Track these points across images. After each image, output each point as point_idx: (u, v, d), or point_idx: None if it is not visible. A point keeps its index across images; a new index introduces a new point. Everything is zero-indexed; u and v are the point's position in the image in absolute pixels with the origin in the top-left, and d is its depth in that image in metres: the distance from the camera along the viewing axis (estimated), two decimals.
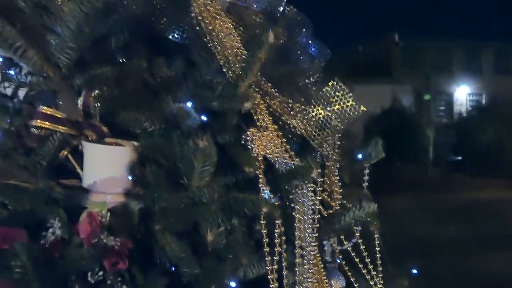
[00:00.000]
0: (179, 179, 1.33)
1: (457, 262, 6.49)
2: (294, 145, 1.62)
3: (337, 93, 1.53)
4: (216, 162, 1.29)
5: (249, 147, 1.41)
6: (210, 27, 1.47)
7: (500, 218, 8.76)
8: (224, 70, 1.48)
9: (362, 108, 1.52)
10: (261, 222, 1.34)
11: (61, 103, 1.51)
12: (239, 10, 1.64)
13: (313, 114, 1.54)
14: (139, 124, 1.45)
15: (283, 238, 1.38)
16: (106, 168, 1.43)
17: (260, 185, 1.38)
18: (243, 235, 1.38)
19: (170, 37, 1.49)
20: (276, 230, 1.37)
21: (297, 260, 1.41)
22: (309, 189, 1.39)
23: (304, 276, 1.41)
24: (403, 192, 10.81)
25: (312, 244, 1.40)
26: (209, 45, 1.48)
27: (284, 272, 1.39)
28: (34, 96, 1.56)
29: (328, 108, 1.54)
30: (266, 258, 1.36)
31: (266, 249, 1.36)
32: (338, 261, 1.66)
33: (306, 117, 1.54)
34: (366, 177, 1.78)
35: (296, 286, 1.41)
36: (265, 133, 1.43)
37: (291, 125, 1.56)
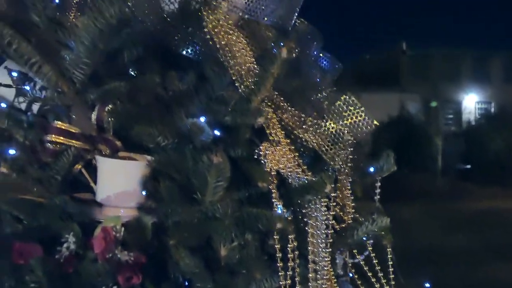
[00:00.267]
0: (193, 193, 1.34)
1: (466, 272, 6.45)
2: (306, 158, 1.62)
3: (349, 107, 1.53)
4: (229, 177, 1.29)
5: (262, 161, 1.41)
6: (223, 42, 1.48)
7: (510, 227, 8.69)
8: (236, 84, 1.49)
9: (375, 122, 1.52)
10: (275, 237, 1.34)
11: (74, 117, 1.53)
12: (250, 25, 1.65)
13: (326, 128, 1.54)
14: (152, 138, 1.45)
15: (296, 252, 1.38)
16: (119, 182, 1.44)
17: (273, 200, 1.38)
18: (256, 250, 1.38)
19: (184, 52, 1.50)
20: (289, 245, 1.37)
21: (310, 275, 1.40)
22: (322, 204, 1.39)
23: None
24: (411, 201, 10.77)
25: (326, 259, 1.40)
26: (221, 59, 1.49)
27: (297, 287, 1.38)
28: (48, 110, 1.57)
29: (340, 122, 1.54)
30: (279, 273, 1.36)
31: (279, 263, 1.36)
32: (350, 274, 1.66)
33: (318, 131, 1.54)
34: (378, 190, 1.78)
35: None
36: (278, 147, 1.44)
37: (303, 139, 1.56)
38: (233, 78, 1.49)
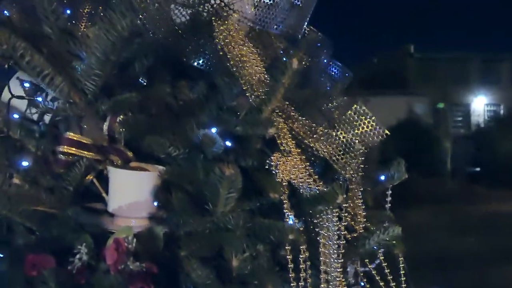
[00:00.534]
0: (204, 204, 1.34)
1: (476, 276, 6.40)
2: (317, 167, 1.62)
3: (360, 117, 1.53)
4: (241, 189, 1.29)
5: (274, 172, 1.41)
6: (233, 53, 1.48)
7: None
8: (247, 94, 1.49)
9: (386, 131, 1.52)
10: (286, 247, 1.34)
11: (86, 127, 1.53)
12: (260, 34, 1.65)
13: (336, 137, 1.54)
14: (163, 149, 1.46)
15: (308, 263, 1.38)
16: (131, 192, 1.44)
17: (285, 211, 1.38)
18: (268, 261, 1.38)
19: (195, 64, 1.51)
20: (301, 256, 1.36)
21: (322, 286, 1.40)
22: (334, 214, 1.39)
23: None
24: (421, 205, 10.71)
25: (337, 269, 1.40)
26: (233, 69, 1.49)
27: None
28: (60, 120, 1.58)
29: (351, 132, 1.54)
30: (291, 284, 1.36)
31: (291, 274, 1.35)
32: (362, 283, 1.65)
33: (329, 140, 1.54)
34: (389, 199, 1.77)
35: None
36: (289, 158, 1.44)
37: (314, 148, 1.56)
38: (244, 88, 1.50)
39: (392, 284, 1.58)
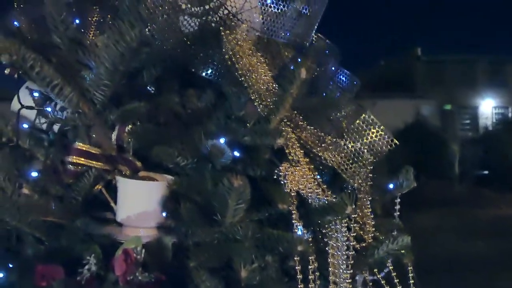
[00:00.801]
0: (213, 215, 1.34)
1: (485, 280, 6.35)
2: (325, 176, 1.61)
3: (369, 126, 1.53)
4: (249, 199, 1.29)
5: (282, 182, 1.41)
6: (241, 62, 1.48)
7: None
8: (255, 104, 1.49)
9: (395, 141, 1.51)
10: (295, 258, 1.33)
11: (95, 137, 1.54)
12: (269, 43, 1.65)
13: (345, 146, 1.54)
14: (172, 158, 1.46)
15: (317, 274, 1.37)
16: (140, 202, 1.45)
17: (293, 221, 1.38)
18: (277, 271, 1.38)
19: (204, 74, 1.51)
20: (309, 266, 1.36)
21: None
22: (342, 224, 1.38)
23: None
24: (429, 208, 10.65)
25: (346, 280, 1.39)
26: (241, 79, 1.49)
27: None
28: (68, 130, 1.59)
29: (360, 141, 1.53)
30: None
31: (300, 285, 1.35)
32: None
33: (337, 149, 1.53)
34: (398, 207, 1.77)
35: None
36: (297, 168, 1.43)
37: (322, 157, 1.56)
38: (252, 97, 1.49)
39: None
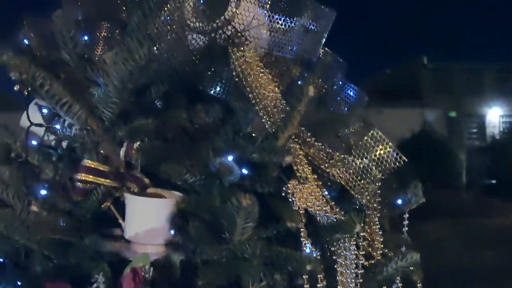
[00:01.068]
0: (221, 232, 1.34)
1: None
2: (333, 192, 1.61)
3: (377, 142, 1.52)
4: (258, 217, 1.29)
5: (291, 200, 1.41)
6: (249, 79, 1.48)
7: None
8: (263, 120, 1.49)
9: (403, 158, 1.51)
10: (304, 277, 1.33)
11: (103, 153, 1.54)
12: (276, 59, 1.65)
13: (353, 163, 1.53)
14: (180, 175, 1.46)
15: None
16: (148, 219, 1.45)
17: (302, 239, 1.37)
18: None
19: (212, 92, 1.51)
20: (318, 285, 1.35)
21: None
22: (351, 242, 1.38)
23: None
24: (436, 217, 10.59)
25: None
26: (249, 95, 1.49)
27: None
28: (77, 147, 1.59)
29: (368, 157, 1.53)
30: None
31: None
32: None
33: (345, 166, 1.53)
34: (406, 222, 1.75)
35: None
36: (305, 185, 1.43)
37: (330, 174, 1.55)
38: (260, 114, 1.49)
39: None
